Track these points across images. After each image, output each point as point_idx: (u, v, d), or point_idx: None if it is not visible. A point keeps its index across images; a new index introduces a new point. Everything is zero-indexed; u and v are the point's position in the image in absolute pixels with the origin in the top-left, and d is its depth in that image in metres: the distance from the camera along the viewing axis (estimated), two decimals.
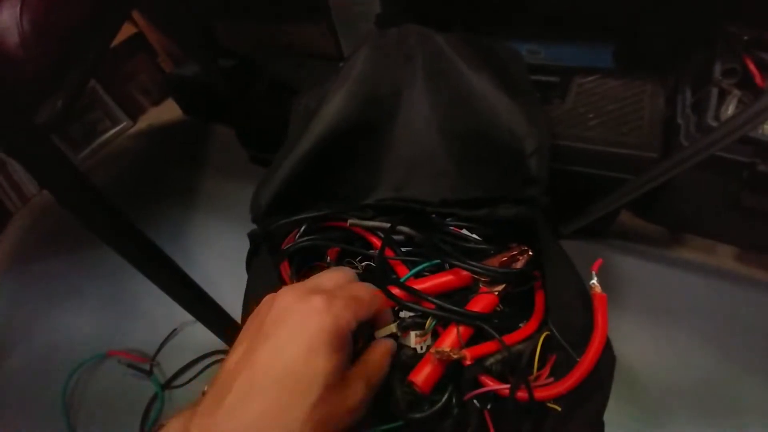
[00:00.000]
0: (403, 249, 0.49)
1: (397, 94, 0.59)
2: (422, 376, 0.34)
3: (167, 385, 0.79)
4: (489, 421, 0.35)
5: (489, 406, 0.35)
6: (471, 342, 0.37)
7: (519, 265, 0.41)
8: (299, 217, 0.50)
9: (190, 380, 0.79)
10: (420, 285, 0.41)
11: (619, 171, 0.65)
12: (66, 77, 0.67)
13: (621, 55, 0.80)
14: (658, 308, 0.75)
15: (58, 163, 0.53)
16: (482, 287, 0.41)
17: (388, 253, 0.46)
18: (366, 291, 0.30)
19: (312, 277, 0.32)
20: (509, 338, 0.38)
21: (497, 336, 0.36)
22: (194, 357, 0.81)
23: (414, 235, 0.48)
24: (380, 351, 0.32)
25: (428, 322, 0.39)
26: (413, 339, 0.38)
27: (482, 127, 0.52)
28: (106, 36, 0.80)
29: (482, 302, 0.39)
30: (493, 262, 0.42)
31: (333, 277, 0.31)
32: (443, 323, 0.39)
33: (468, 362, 0.35)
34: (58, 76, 0.68)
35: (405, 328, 0.39)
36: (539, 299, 0.40)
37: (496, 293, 0.40)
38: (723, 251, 0.79)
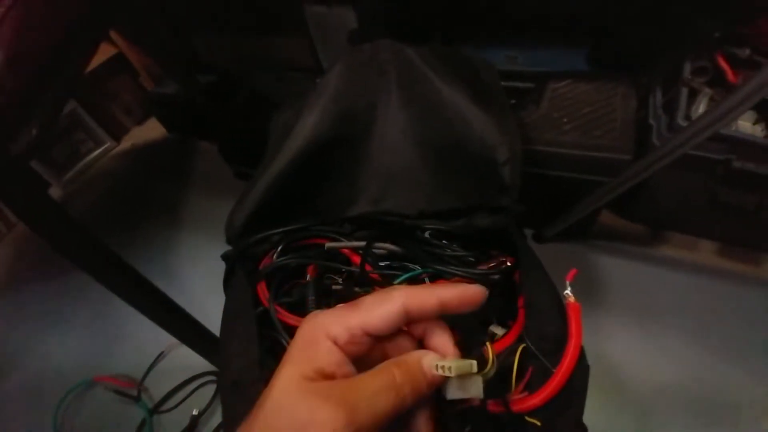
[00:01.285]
0: (382, 263, 0.49)
1: (372, 108, 0.59)
2: None
3: (155, 409, 0.78)
4: None
5: (468, 429, 0.35)
6: None
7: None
8: (272, 232, 0.49)
9: (179, 404, 0.78)
10: None
11: (595, 174, 0.66)
12: (40, 104, 0.67)
13: (595, 57, 0.81)
14: (642, 306, 0.75)
15: (31, 194, 0.53)
16: None
17: (367, 268, 0.46)
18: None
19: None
20: (500, 343, 0.38)
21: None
22: (182, 380, 0.80)
23: (393, 249, 0.48)
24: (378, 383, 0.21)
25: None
26: None
27: (455, 138, 0.53)
28: (81, 59, 0.79)
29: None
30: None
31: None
32: None
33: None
34: (33, 104, 0.67)
35: None
36: (521, 308, 0.40)
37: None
38: (704, 247, 0.80)
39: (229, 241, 0.50)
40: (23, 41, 0.66)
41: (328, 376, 0.21)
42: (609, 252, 0.82)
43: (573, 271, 0.38)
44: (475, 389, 0.23)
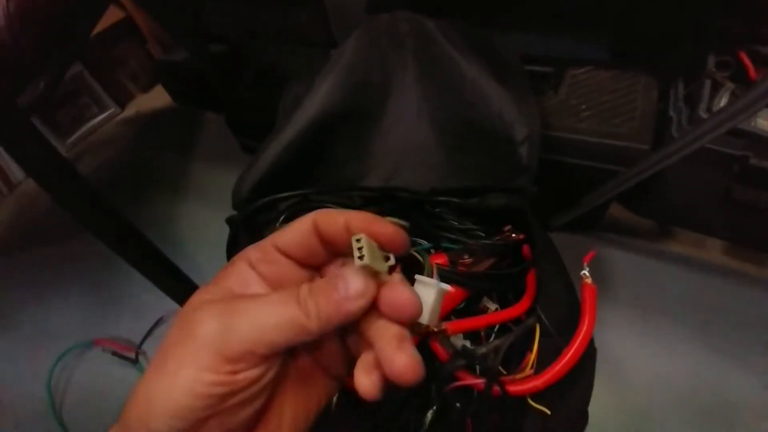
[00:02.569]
0: None
1: (387, 81, 0.58)
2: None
3: None
4: (469, 422, 0.35)
5: (471, 409, 0.35)
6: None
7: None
8: (278, 196, 0.48)
9: None
10: None
11: (611, 162, 0.65)
12: (49, 60, 0.65)
13: (616, 47, 0.80)
14: (646, 301, 0.75)
15: (39, 146, 0.52)
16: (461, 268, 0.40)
17: None
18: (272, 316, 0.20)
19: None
20: (495, 316, 0.38)
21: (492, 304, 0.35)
22: None
23: (402, 224, 0.47)
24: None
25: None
26: None
27: (473, 115, 0.52)
28: (90, 18, 0.78)
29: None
30: None
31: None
32: None
33: (449, 334, 0.35)
34: (42, 59, 0.66)
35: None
36: (531, 281, 0.40)
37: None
38: (712, 245, 0.79)
39: (235, 207, 0.49)
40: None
41: (236, 296, 0.20)
42: (615, 245, 0.81)
43: (591, 253, 0.38)
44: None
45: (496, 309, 0.40)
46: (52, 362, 0.82)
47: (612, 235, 0.83)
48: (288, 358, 0.21)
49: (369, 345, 0.19)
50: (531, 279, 0.40)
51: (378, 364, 0.19)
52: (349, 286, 0.18)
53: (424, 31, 0.57)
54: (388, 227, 0.20)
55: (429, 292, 0.24)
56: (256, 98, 1.03)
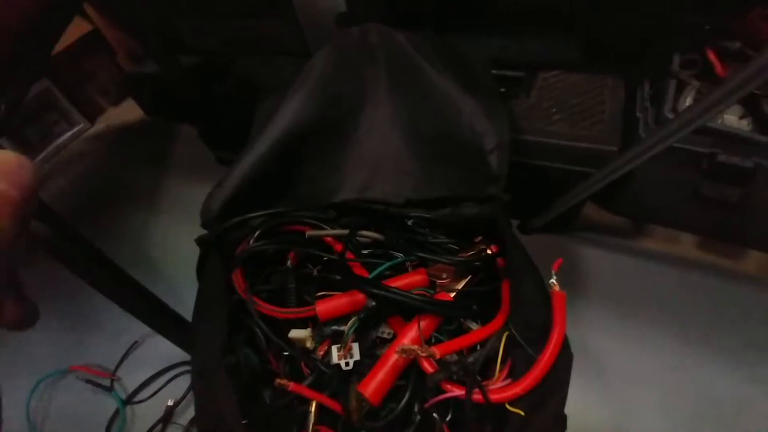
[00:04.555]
0: (365, 251, 0.48)
1: (359, 93, 0.57)
2: (372, 387, 0.33)
3: (129, 399, 0.76)
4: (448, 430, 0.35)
5: (449, 418, 0.34)
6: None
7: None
8: (250, 215, 0.48)
9: (154, 394, 0.76)
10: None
11: (581, 164, 0.66)
12: (8, 82, 0.63)
13: (587, 48, 0.81)
14: (623, 299, 0.76)
15: None
16: (440, 288, 0.40)
17: (350, 256, 0.45)
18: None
19: None
20: (477, 334, 0.38)
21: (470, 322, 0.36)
22: (157, 370, 0.78)
23: (376, 238, 0.47)
24: None
25: (347, 329, 0.37)
26: (335, 354, 0.36)
27: (445, 125, 0.52)
28: (51, 37, 0.75)
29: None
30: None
31: None
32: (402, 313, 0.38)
33: (438, 357, 0.35)
34: (1, 81, 0.63)
35: (322, 339, 0.38)
36: (506, 295, 0.40)
37: (455, 292, 0.40)
38: (686, 240, 0.81)
39: (204, 225, 0.48)
40: None
41: None
42: (592, 244, 0.82)
43: (559, 261, 0.38)
44: None
45: (478, 325, 0.40)
46: (29, 390, 0.79)
47: (589, 235, 0.84)
48: None
49: None
50: (506, 290, 0.40)
51: None
52: None
53: (395, 44, 0.57)
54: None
55: None
56: (230, 109, 1.01)
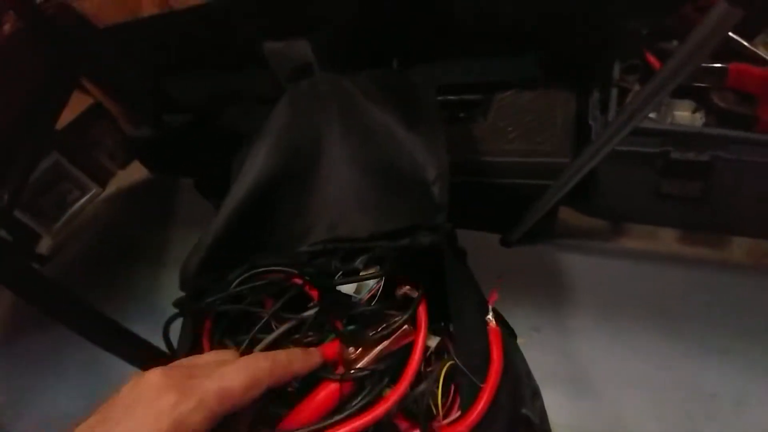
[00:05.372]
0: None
1: (316, 139, 0.62)
2: None
3: None
4: None
5: None
6: None
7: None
8: (221, 283, 0.50)
9: None
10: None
11: (540, 178, 0.68)
12: (10, 170, 0.70)
13: (543, 66, 0.84)
14: (609, 301, 0.77)
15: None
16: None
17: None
18: (238, 378, 0.26)
19: (191, 358, 0.31)
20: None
21: None
22: None
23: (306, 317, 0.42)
24: None
25: None
26: None
27: (390, 161, 0.56)
28: (50, 115, 0.83)
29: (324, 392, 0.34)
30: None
31: (208, 360, 0.30)
32: None
33: None
34: (3, 170, 0.70)
35: None
36: (416, 354, 0.36)
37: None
38: (664, 235, 0.82)
39: (182, 286, 0.51)
40: None
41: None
42: (573, 250, 0.84)
43: (493, 297, 0.40)
44: None
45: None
46: None
47: (569, 241, 0.85)
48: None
49: None
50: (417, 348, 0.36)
51: None
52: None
53: (343, 89, 0.62)
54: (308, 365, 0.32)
55: None
56: (218, 159, 1.08)
